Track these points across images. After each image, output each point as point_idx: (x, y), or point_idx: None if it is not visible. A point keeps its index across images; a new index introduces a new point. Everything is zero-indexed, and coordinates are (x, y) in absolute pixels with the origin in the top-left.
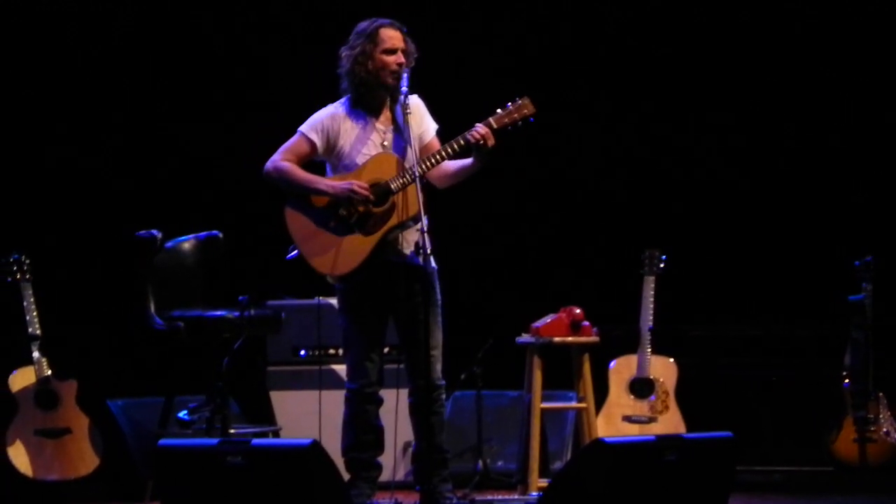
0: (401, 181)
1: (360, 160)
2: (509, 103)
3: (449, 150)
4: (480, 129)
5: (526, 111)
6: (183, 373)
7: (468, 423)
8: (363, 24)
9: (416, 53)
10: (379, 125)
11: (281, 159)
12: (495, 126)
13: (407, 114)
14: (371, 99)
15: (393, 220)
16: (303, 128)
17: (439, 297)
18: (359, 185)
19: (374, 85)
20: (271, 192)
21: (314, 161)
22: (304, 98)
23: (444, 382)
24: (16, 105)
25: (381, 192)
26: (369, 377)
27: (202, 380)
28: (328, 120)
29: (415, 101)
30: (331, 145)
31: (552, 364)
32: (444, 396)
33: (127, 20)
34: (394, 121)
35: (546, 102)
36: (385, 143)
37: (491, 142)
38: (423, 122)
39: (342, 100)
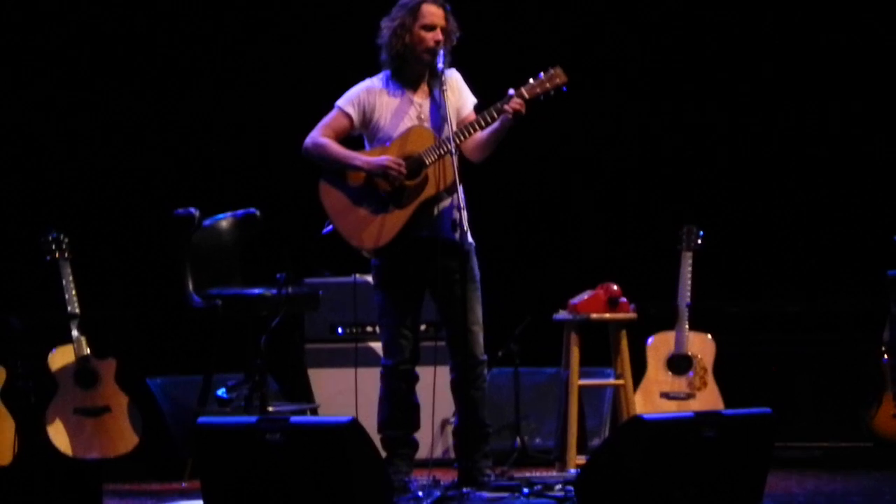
0: (435, 154)
1: (395, 133)
2: (541, 73)
3: (482, 121)
4: (514, 102)
5: (558, 80)
6: (221, 351)
7: (506, 401)
8: None
9: (458, 32)
10: (416, 98)
11: (319, 135)
12: (527, 96)
13: (444, 90)
14: (408, 72)
15: (427, 193)
16: (339, 102)
17: (478, 273)
18: (393, 160)
19: (409, 59)
20: (308, 168)
21: (352, 136)
22: (337, 71)
23: (486, 357)
24: (51, 83)
25: (415, 164)
26: (404, 354)
27: (240, 358)
28: (364, 94)
29: (452, 76)
30: (367, 119)
31: (590, 341)
32: (486, 372)
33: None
34: (431, 94)
35: (584, 76)
36: (422, 116)
37: (522, 112)
38: (460, 97)
39: (381, 73)
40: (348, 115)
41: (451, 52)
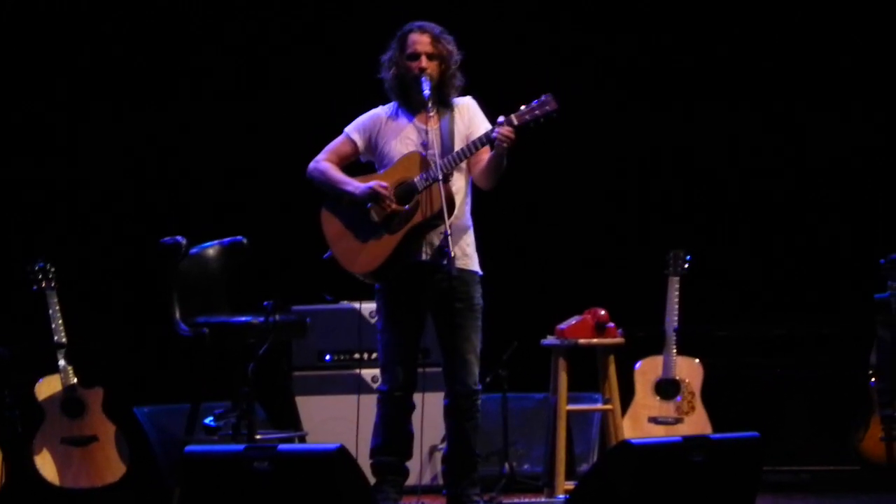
0: (426, 180)
1: (397, 159)
2: (535, 101)
3: (469, 150)
4: (503, 129)
5: (548, 108)
6: (208, 379)
7: (494, 427)
8: (400, 30)
9: (455, 55)
10: (420, 125)
11: (323, 159)
12: (516, 123)
13: (430, 116)
14: (413, 100)
15: (416, 219)
16: (347, 128)
17: (479, 301)
18: (379, 183)
19: (402, 89)
20: (297, 195)
21: (360, 162)
22: (329, 97)
23: (480, 387)
24: (39, 111)
25: (406, 190)
26: (399, 380)
27: (228, 386)
28: (370, 120)
29: (464, 102)
30: (371, 145)
31: (577, 366)
32: (479, 401)
33: (140, 21)
34: (439, 121)
35: (570, 101)
36: (425, 142)
37: (512, 139)
38: (472, 124)
39: (391, 102)
40: (353, 142)
41: (459, 75)
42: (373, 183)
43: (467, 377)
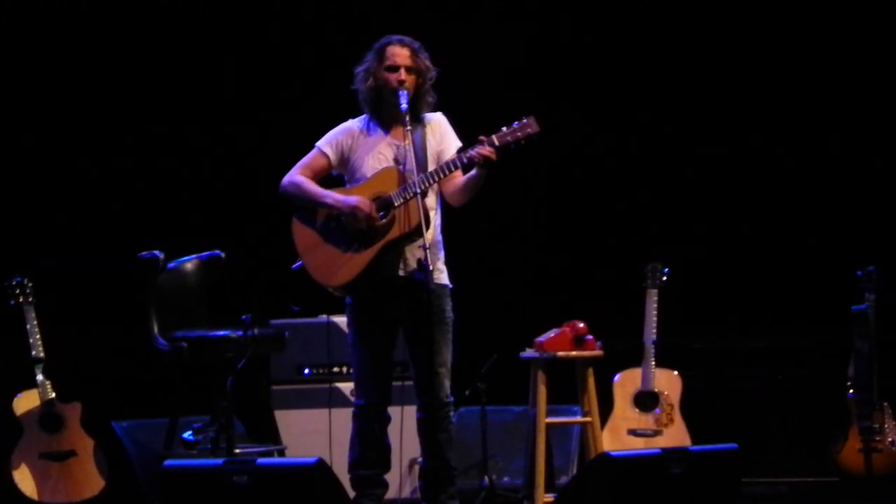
0: (403, 196)
1: (369, 174)
2: (516, 122)
3: (447, 168)
4: (483, 149)
5: (530, 130)
6: (187, 393)
7: (473, 440)
8: (377, 42)
9: (431, 71)
10: (394, 140)
11: (297, 174)
12: (497, 144)
13: (407, 131)
14: (386, 114)
15: (392, 234)
16: (319, 142)
17: (450, 314)
18: (363, 201)
19: (382, 101)
20: (273, 209)
21: (331, 175)
22: (306, 114)
23: (452, 399)
24: (19, 127)
25: (383, 205)
26: (374, 394)
27: (206, 400)
28: (342, 135)
29: (435, 118)
30: (344, 159)
31: (556, 379)
32: (452, 413)
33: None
34: (411, 135)
35: (549, 115)
36: (398, 157)
37: (493, 160)
38: (443, 140)
39: (363, 115)
40: (326, 155)
41: (431, 91)
42: (354, 199)
43: (439, 390)
